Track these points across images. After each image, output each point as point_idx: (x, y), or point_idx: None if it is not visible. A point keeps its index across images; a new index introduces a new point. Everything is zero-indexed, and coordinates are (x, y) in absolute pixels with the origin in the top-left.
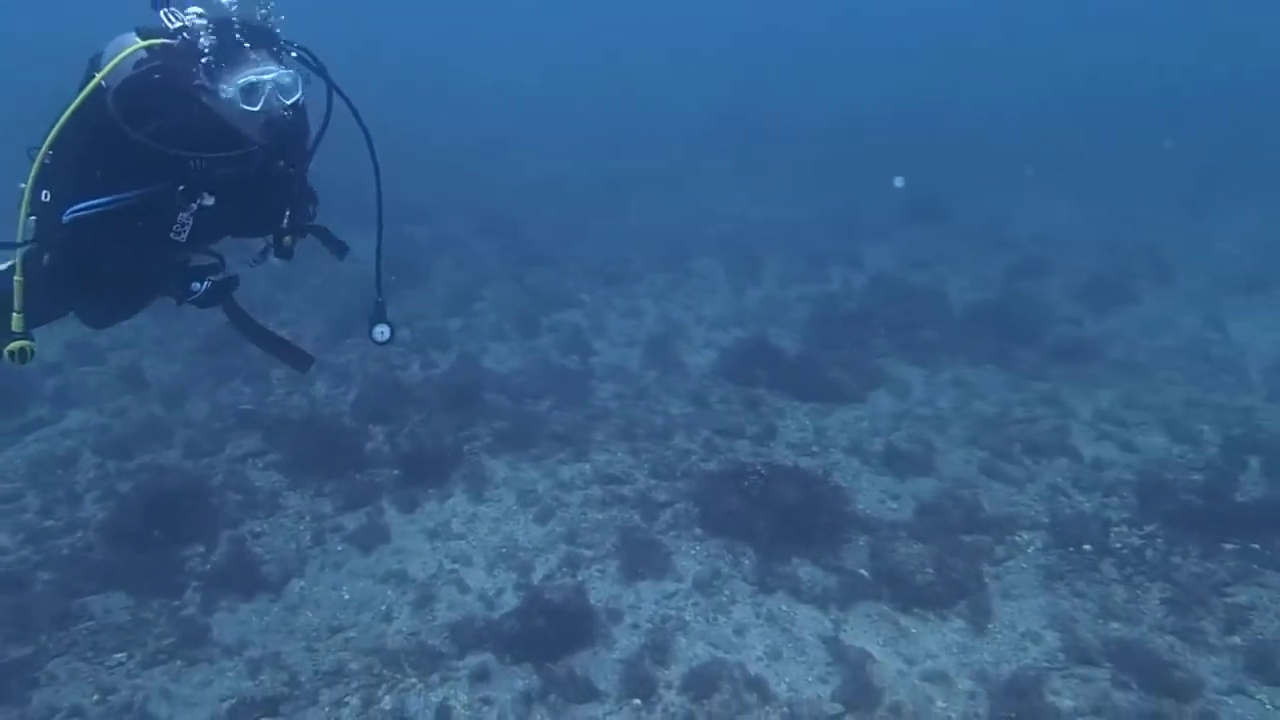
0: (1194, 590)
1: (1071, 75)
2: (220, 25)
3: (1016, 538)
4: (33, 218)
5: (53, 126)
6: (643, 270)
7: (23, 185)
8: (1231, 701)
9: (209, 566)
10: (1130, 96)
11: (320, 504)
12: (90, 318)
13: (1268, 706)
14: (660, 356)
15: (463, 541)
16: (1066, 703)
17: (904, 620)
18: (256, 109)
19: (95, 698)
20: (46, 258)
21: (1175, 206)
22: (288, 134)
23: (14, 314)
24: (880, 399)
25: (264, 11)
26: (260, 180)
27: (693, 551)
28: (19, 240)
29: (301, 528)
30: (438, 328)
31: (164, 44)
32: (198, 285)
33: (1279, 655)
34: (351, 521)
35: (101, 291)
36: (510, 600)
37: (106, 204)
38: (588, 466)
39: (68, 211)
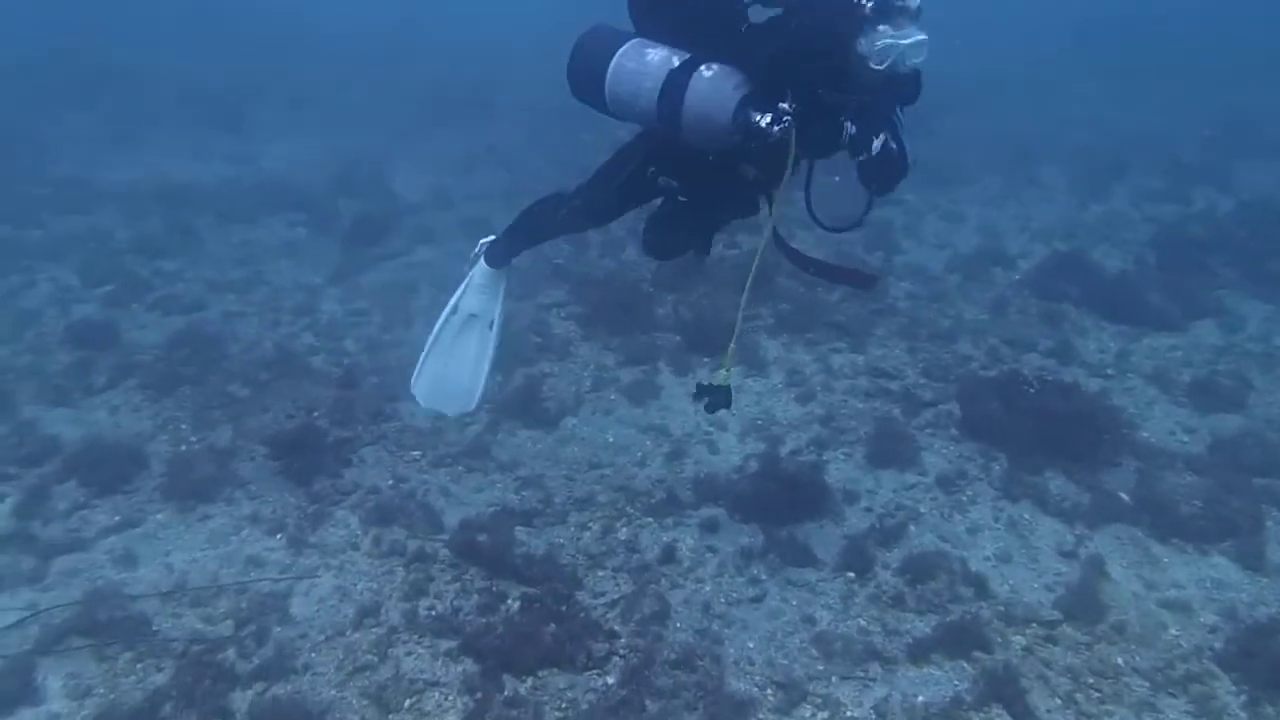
0: None
1: None
2: None
3: None
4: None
5: None
6: (977, 174)
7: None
8: None
9: (501, 394)
10: None
11: (605, 356)
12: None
13: None
14: (968, 262)
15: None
16: None
17: (1157, 548)
18: (882, 67)
19: (390, 482)
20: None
21: None
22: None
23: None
24: (1204, 330)
25: None
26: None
27: (945, 450)
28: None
29: (585, 374)
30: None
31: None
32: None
33: None
34: (628, 375)
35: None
36: (754, 467)
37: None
38: (860, 358)
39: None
